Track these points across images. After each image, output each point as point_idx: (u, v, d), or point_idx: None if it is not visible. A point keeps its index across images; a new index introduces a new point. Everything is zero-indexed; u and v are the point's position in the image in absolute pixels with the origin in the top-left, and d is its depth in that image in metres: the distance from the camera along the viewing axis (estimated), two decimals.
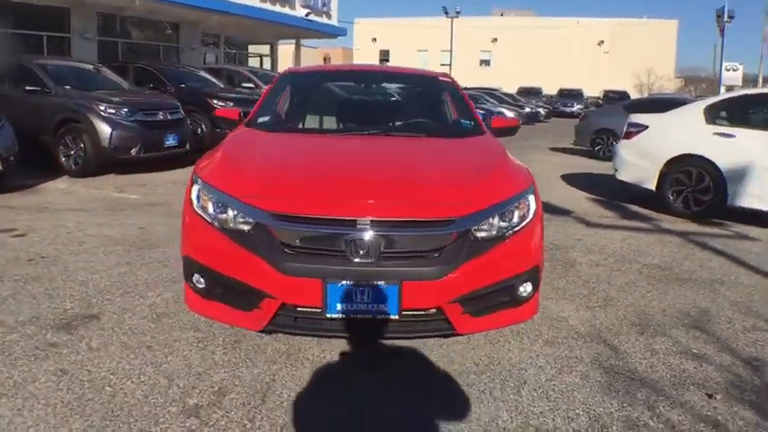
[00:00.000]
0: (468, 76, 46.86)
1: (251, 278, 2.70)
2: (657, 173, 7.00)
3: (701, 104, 7.17)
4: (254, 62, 24.59)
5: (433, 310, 2.74)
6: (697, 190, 6.72)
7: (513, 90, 35.47)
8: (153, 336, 3.25)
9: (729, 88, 45.41)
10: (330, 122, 4.60)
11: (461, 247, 2.73)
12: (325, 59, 61.08)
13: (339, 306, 2.64)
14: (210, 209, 2.86)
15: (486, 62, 60.85)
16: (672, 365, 3.12)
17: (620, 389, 2.86)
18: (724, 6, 31.84)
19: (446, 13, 43.39)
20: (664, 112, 11.37)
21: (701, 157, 6.66)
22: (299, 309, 2.73)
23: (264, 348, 3.11)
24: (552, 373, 2.99)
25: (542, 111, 29.19)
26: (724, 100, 7.25)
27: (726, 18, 31.93)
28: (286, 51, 27.56)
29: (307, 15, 22.42)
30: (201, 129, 11.10)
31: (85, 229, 5.39)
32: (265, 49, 25.41)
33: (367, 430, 2.49)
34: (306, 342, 3.15)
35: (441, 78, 4.95)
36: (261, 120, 4.24)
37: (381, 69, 5.06)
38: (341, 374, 2.93)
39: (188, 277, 2.95)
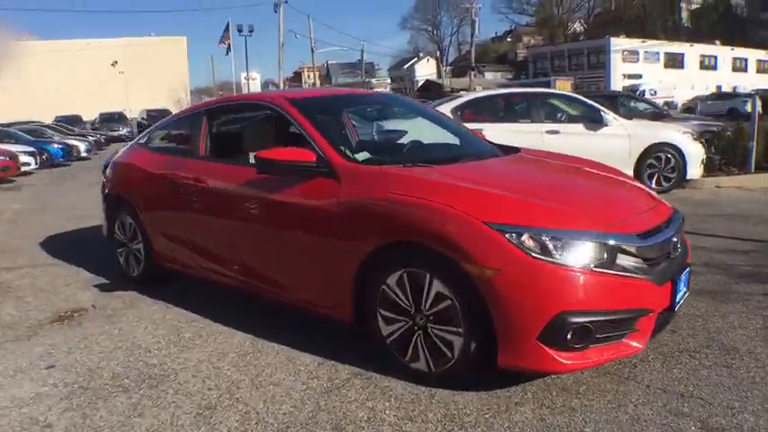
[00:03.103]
0: None
1: (639, 302, 2.78)
2: None
3: (448, 107, 8.65)
4: None
5: None
6: None
7: (48, 121, 32.49)
8: None
9: (241, 92, 52.17)
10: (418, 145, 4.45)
11: None
12: None
13: (677, 298, 2.98)
14: (554, 251, 2.69)
15: None
16: None
17: None
18: (228, 23, 37.77)
19: None
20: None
21: None
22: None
23: None
24: None
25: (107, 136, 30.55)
26: (463, 103, 8.90)
27: (246, 32, 38.03)
28: None
29: None
30: None
31: None
32: None
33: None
34: None
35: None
36: (363, 157, 3.64)
37: (361, 92, 6.09)
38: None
39: (559, 340, 2.68)
